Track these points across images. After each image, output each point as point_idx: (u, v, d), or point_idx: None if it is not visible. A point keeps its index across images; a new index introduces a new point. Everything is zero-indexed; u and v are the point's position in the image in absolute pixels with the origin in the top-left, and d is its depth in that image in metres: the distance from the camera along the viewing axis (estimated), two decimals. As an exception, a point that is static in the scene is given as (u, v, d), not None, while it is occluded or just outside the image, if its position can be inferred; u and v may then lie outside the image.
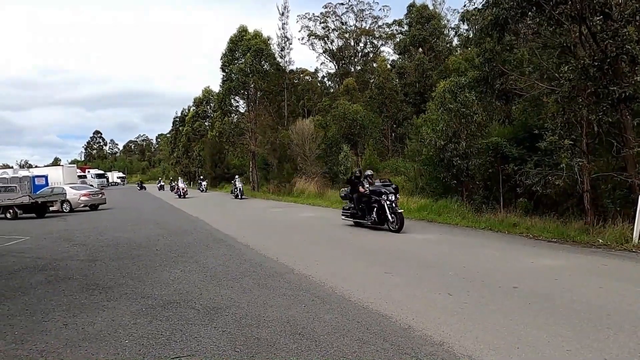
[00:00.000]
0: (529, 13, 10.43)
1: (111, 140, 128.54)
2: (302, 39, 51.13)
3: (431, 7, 40.20)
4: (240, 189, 26.79)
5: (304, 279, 6.19)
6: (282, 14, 38.78)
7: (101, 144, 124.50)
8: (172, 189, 42.00)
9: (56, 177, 33.68)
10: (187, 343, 3.88)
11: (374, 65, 45.30)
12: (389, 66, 40.68)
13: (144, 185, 57.67)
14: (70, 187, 22.49)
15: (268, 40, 33.33)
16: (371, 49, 51.65)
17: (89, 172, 55.97)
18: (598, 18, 8.74)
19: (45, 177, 31.89)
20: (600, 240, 8.50)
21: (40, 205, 18.67)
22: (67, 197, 20.93)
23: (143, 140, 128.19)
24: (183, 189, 30.28)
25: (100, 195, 22.95)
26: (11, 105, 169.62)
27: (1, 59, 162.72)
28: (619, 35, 8.39)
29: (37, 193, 21.98)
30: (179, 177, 34.40)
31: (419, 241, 9.52)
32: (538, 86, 11.44)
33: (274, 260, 7.55)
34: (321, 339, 3.91)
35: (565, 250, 8.09)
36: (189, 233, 11.45)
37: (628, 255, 7.44)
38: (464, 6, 18.31)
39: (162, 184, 52.36)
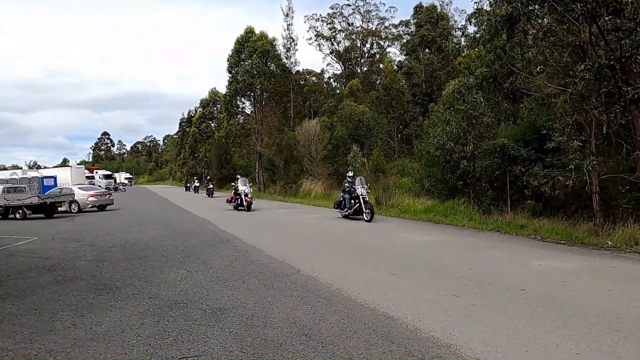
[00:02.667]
0: (539, 12, 10.36)
1: (119, 141, 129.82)
2: (310, 39, 51.18)
3: (438, 8, 40.12)
4: (364, 196, 13.64)
5: (310, 280, 6.18)
6: (287, 15, 39.10)
7: (109, 145, 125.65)
8: (208, 191, 32.73)
9: (64, 178, 33.96)
10: (194, 343, 3.89)
11: (381, 66, 45.25)
12: (395, 67, 40.61)
13: (190, 185, 45.41)
14: (79, 188, 22.67)
15: (274, 41, 33.46)
16: (377, 49, 51.59)
17: (96, 173, 56.34)
18: (608, 17, 8.65)
19: (54, 178, 32.16)
20: (609, 242, 8.41)
21: (48, 206, 18.84)
22: (75, 197, 21.10)
23: (150, 142, 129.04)
24: (248, 197, 18.48)
25: (108, 196, 23.12)
26: (19, 107, 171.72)
27: (9, 61, 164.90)
28: (633, 35, 8.28)
29: (46, 194, 22.19)
30: (238, 177, 20.91)
31: (425, 243, 9.48)
32: (547, 86, 11.35)
33: (280, 261, 7.55)
34: (327, 340, 3.90)
35: (573, 252, 8.01)
36: (196, 234, 11.49)
37: (638, 258, 7.35)
38: (478, 1, 18.13)
39: (211, 187, 34.49)
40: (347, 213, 14.06)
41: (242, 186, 18.67)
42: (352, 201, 13.85)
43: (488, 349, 3.66)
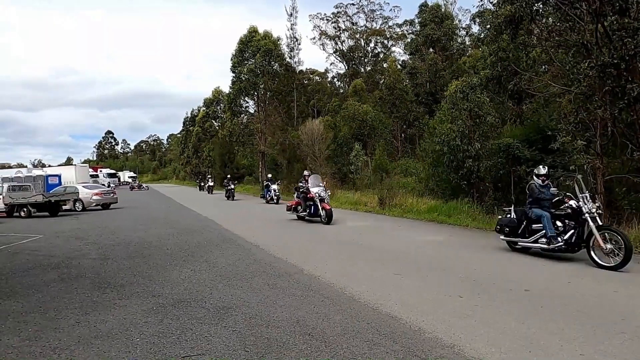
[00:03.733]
0: (544, 12, 10.33)
1: (123, 140, 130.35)
2: (314, 38, 51.34)
3: (442, 8, 40.04)
4: (591, 213, 6.92)
5: (314, 279, 6.18)
6: (291, 15, 39.20)
7: (113, 143, 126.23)
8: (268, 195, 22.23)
9: (69, 176, 34.07)
10: (198, 342, 3.90)
11: (384, 65, 45.19)
12: (399, 66, 40.57)
13: (204, 185, 39.54)
14: (83, 186, 22.78)
15: (278, 40, 33.47)
16: (381, 49, 51.56)
17: (101, 171, 56.66)
18: (614, 17, 8.61)
19: (59, 176, 32.28)
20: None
21: (53, 204, 18.94)
22: (80, 196, 21.21)
23: (154, 141, 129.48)
24: (325, 202, 12.85)
25: (112, 194, 23.22)
26: (24, 105, 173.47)
27: (16, 60, 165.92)
28: (638, 34, 8.24)
29: (51, 192, 22.27)
30: (306, 172, 15.11)
31: (428, 243, 9.46)
32: (551, 86, 11.31)
33: (284, 260, 7.55)
34: (331, 339, 3.90)
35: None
36: (199, 232, 11.51)
37: (643, 259, 7.30)
38: (481, 3, 18.14)
39: (232, 187, 27.37)
40: (545, 246, 7.43)
41: (316, 187, 12.90)
42: (559, 224, 7.42)
43: (492, 349, 3.65)
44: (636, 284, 5.73)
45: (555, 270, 6.54)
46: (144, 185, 55.07)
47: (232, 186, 27.25)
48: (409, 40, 45.25)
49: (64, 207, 20.15)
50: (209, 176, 39.54)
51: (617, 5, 8.54)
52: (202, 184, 41.62)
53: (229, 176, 30.24)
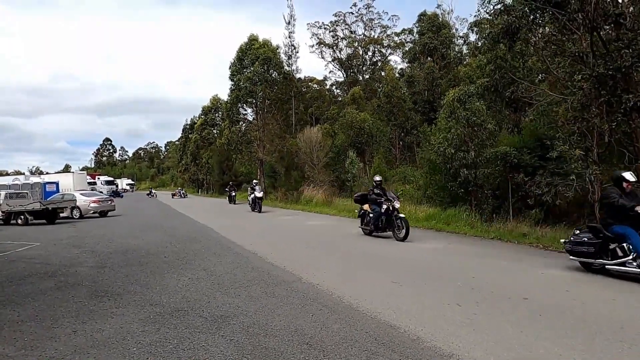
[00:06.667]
0: (540, 21, 10.43)
1: (121, 147, 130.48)
2: (312, 46, 51.67)
3: (440, 17, 40.38)
4: None
5: (312, 287, 6.16)
6: (289, 23, 39.51)
7: (111, 151, 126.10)
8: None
9: (67, 183, 34.06)
10: (195, 351, 3.88)
11: (382, 73, 45.43)
12: (397, 75, 40.79)
13: (235, 195, 30.96)
14: (81, 194, 22.72)
15: (277, 49, 33.65)
16: (379, 57, 51.89)
17: (98, 178, 56.60)
18: (609, 27, 8.71)
19: (56, 183, 32.30)
20: (612, 251, 8.34)
21: (50, 212, 18.86)
22: (77, 203, 21.14)
23: (152, 148, 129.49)
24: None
25: (110, 202, 23.17)
26: (22, 111, 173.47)
27: (14, 66, 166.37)
28: (634, 44, 8.32)
29: (48, 199, 22.23)
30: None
31: (427, 250, 9.44)
32: (549, 95, 11.38)
33: (282, 268, 7.53)
34: (329, 349, 3.88)
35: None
36: (197, 240, 11.48)
37: (641, 267, 7.30)
38: (477, 12, 18.25)
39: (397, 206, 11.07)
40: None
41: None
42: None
43: (490, 358, 3.64)
44: (634, 293, 5.73)
45: (554, 278, 6.53)
46: (182, 191, 53.85)
47: (397, 204, 11.22)
48: (407, 48, 45.61)
49: (62, 215, 20.07)
50: (255, 181, 24.93)
51: (611, 16, 8.63)
52: (233, 194, 30.87)
53: (378, 179, 12.53)
